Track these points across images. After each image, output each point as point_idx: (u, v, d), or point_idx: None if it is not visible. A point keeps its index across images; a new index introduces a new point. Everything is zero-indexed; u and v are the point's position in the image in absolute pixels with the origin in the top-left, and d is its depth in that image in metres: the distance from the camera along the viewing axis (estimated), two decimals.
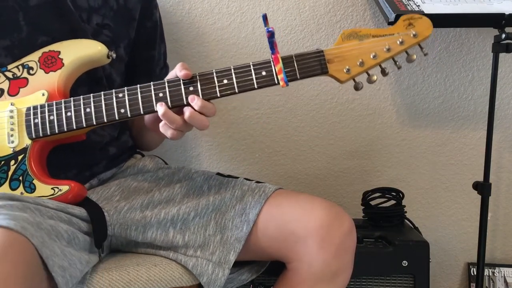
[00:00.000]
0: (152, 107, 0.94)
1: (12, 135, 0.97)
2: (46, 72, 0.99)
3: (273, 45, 0.92)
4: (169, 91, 0.94)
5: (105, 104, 0.95)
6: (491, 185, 1.31)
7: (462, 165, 1.57)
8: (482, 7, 1.28)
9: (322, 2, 1.49)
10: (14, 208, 0.80)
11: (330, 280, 0.97)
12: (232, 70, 0.94)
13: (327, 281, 0.97)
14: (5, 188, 0.95)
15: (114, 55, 1.00)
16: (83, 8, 1.08)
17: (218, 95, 0.94)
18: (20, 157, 0.96)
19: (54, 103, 0.96)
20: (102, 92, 0.96)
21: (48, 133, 0.96)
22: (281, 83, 0.93)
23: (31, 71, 1.00)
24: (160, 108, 0.92)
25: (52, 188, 0.95)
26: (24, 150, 0.96)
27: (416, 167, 1.57)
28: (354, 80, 0.97)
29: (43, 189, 0.95)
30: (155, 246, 1.02)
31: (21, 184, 0.95)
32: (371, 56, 0.94)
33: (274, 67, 0.94)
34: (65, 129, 0.95)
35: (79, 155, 1.06)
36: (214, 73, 0.94)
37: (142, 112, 0.95)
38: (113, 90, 0.96)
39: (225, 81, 0.94)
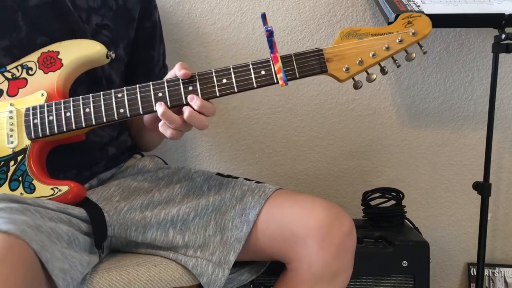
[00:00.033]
0: (151, 107, 0.94)
1: (11, 136, 0.97)
2: (45, 73, 0.99)
3: (272, 44, 0.92)
4: (168, 90, 0.94)
5: (104, 104, 0.95)
6: (491, 185, 1.31)
7: (462, 165, 1.57)
8: (482, 7, 1.28)
9: (322, 2, 1.49)
10: (14, 211, 0.80)
11: (330, 280, 0.97)
12: (231, 70, 0.94)
13: (327, 281, 0.97)
14: (5, 189, 0.95)
15: (113, 55, 1.00)
16: (82, 8, 1.08)
17: (218, 94, 0.94)
18: (19, 158, 0.96)
19: (53, 104, 0.96)
20: (101, 92, 0.96)
21: (48, 133, 0.96)
22: (280, 82, 0.93)
23: (30, 72, 0.99)
24: (159, 108, 0.92)
25: (51, 189, 0.95)
26: (23, 151, 0.96)
27: (416, 167, 1.57)
28: (353, 79, 0.97)
29: (42, 189, 0.95)
30: (155, 246, 1.02)
31: (21, 185, 0.95)
32: (370, 55, 0.94)
33: (273, 66, 0.93)
34: (65, 129, 0.95)
35: (78, 155, 1.06)
36: (213, 73, 0.94)
37: (141, 112, 0.95)
38: (112, 90, 0.96)
39: (224, 81, 0.94)
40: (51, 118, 0.96)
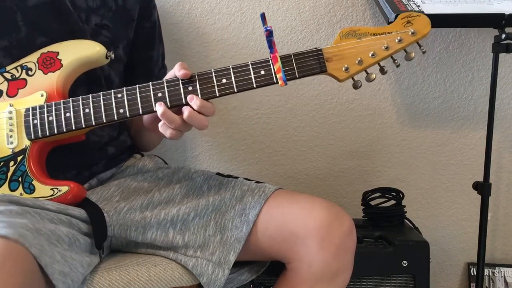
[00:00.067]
0: (151, 107, 0.94)
1: (11, 136, 0.97)
2: (45, 73, 0.99)
3: (271, 44, 0.92)
4: (168, 91, 0.94)
5: (104, 104, 0.95)
6: (491, 185, 1.31)
7: (462, 165, 1.56)
8: (482, 7, 1.28)
9: (322, 2, 1.49)
10: (13, 214, 0.80)
11: (330, 280, 0.97)
12: (231, 70, 0.94)
13: (327, 281, 0.97)
14: (5, 189, 0.95)
15: (112, 56, 1.00)
16: (81, 8, 1.08)
17: (217, 94, 0.94)
18: (19, 158, 0.96)
19: (53, 104, 0.96)
20: (101, 93, 0.96)
21: (47, 133, 0.96)
22: (280, 82, 0.93)
23: (29, 72, 0.99)
24: (159, 108, 0.92)
25: (51, 189, 0.95)
26: (23, 151, 0.96)
27: (416, 167, 1.57)
28: (353, 78, 0.97)
29: (42, 190, 0.95)
30: (155, 246, 1.02)
31: (21, 185, 0.95)
32: (370, 55, 0.94)
33: (273, 66, 0.93)
34: (64, 130, 0.95)
35: (78, 155, 1.06)
36: (213, 73, 0.94)
37: (141, 112, 0.95)
38: (112, 91, 0.96)
39: (224, 81, 0.94)
40: (50, 118, 0.96)
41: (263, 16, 0.91)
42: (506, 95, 1.54)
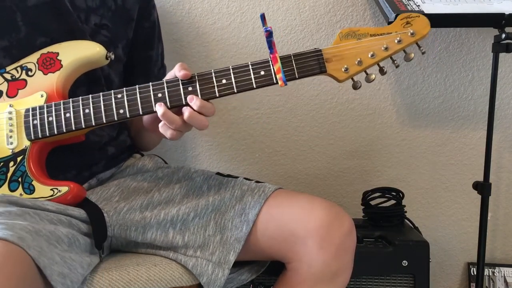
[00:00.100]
0: (151, 107, 0.94)
1: (11, 137, 0.97)
2: (45, 74, 0.99)
3: (271, 44, 0.92)
4: (168, 91, 0.94)
5: (104, 105, 0.95)
6: (491, 185, 1.31)
7: (462, 165, 1.56)
8: (482, 7, 1.28)
9: (322, 2, 1.49)
10: (12, 216, 0.80)
11: (330, 280, 0.97)
12: (231, 70, 0.94)
13: (327, 281, 0.97)
14: (4, 190, 0.95)
15: (112, 57, 1.00)
16: (81, 8, 1.08)
17: (217, 95, 0.94)
18: (19, 159, 0.96)
19: (53, 104, 0.96)
20: (101, 93, 0.96)
21: (47, 134, 0.96)
22: (280, 82, 0.93)
23: (29, 73, 1.00)
24: (159, 109, 0.92)
25: (51, 189, 0.95)
26: (23, 152, 0.96)
27: (416, 167, 1.57)
28: (352, 79, 0.97)
29: (42, 190, 0.95)
30: (155, 246, 1.02)
31: (20, 186, 0.95)
32: (369, 55, 0.94)
33: (273, 66, 0.94)
34: (64, 130, 0.96)
35: (78, 155, 1.06)
36: (213, 73, 0.94)
37: (141, 113, 0.95)
38: (112, 91, 0.96)
39: (224, 81, 0.94)
40: (50, 119, 0.96)
41: (263, 17, 0.91)
42: (506, 95, 1.54)
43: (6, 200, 0.86)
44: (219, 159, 1.57)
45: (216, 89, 0.94)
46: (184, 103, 0.93)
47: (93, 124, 0.95)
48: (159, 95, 0.94)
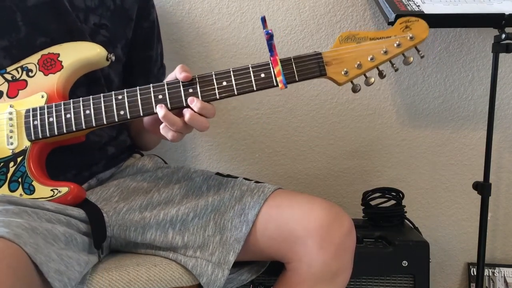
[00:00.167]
0: (151, 109, 0.94)
1: (11, 137, 0.97)
2: (45, 75, 0.99)
3: (272, 47, 0.92)
4: (168, 93, 0.94)
5: (104, 106, 0.95)
6: (491, 185, 1.31)
7: (462, 165, 1.57)
8: (482, 7, 1.28)
9: (322, 2, 1.49)
10: (9, 214, 0.81)
11: (330, 280, 0.97)
12: (231, 72, 0.95)
13: (327, 281, 0.97)
14: (4, 190, 0.95)
15: (113, 58, 1.00)
16: (80, 8, 1.08)
17: (217, 97, 0.94)
18: (19, 159, 0.96)
19: (53, 105, 0.96)
20: (101, 94, 0.96)
21: (48, 135, 0.96)
22: (280, 85, 0.93)
23: (30, 73, 1.00)
24: (160, 111, 0.92)
25: (51, 190, 0.95)
26: (23, 152, 0.96)
27: (416, 167, 1.57)
28: (352, 82, 0.97)
29: (42, 190, 0.95)
30: (154, 246, 1.02)
31: (20, 186, 0.95)
32: (369, 59, 0.95)
33: (273, 69, 0.94)
34: (65, 131, 0.96)
35: (78, 155, 1.06)
36: (213, 75, 0.95)
37: (141, 114, 0.95)
38: (113, 92, 0.96)
39: (224, 83, 0.94)
40: (51, 119, 0.96)
41: (263, 20, 0.92)
42: (506, 95, 1.54)
43: (6, 200, 0.86)
44: (219, 159, 1.57)
45: (216, 91, 0.94)
46: (184, 104, 0.94)
47: (94, 125, 0.95)
48: (160, 96, 0.94)
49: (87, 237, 0.94)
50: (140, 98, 0.95)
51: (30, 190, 0.95)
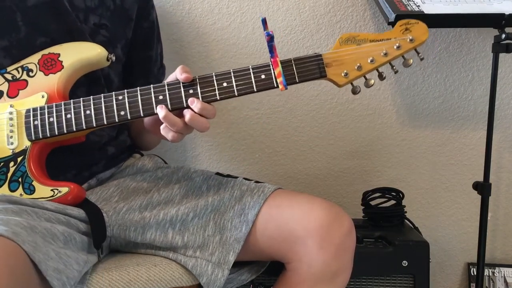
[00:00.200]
0: (152, 109, 0.94)
1: (11, 137, 0.97)
2: (46, 75, 0.99)
3: (272, 48, 0.93)
4: (169, 93, 0.94)
5: (105, 106, 0.95)
6: (491, 185, 1.31)
7: (462, 165, 1.57)
8: (482, 7, 1.28)
9: (322, 2, 1.49)
10: (8, 212, 0.81)
11: (330, 280, 0.97)
12: (232, 74, 0.95)
13: (327, 281, 0.97)
14: (4, 190, 0.95)
15: (113, 58, 1.01)
16: (80, 8, 1.08)
17: (218, 98, 0.94)
18: (19, 159, 0.96)
19: (54, 105, 0.96)
20: (102, 95, 0.96)
21: (48, 135, 0.96)
22: (280, 86, 0.93)
23: (30, 73, 1.00)
24: (161, 111, 0.92)
25: (51, 190, 0.95)
26: (23, 152, 0.97)
27: (416, 167, 1.57)
28: (352, 84, 0.98)
29: (42, 190, 0.95)
30: (154, 246, 1.02)
31: (20, 186, 0.95)
32: (369, 61, 0.95)
33: (273, 70, 0.94)
34: (65, 131, 0.96)
35: (78, 155, 1.06)
36: (214, 76, 0.95)
37: (142, 115, 0.95)
38: (113, 93, 0.96)
39: (225, 84, 0.94)
40: (51, 119, 0.96)
41: (264, 21, 0.92)
42: (506, 95, 1.54)
43: (6, 199, 0.86)
44: (219, 159, 1.57)
45: (217, 92, 0.94)
46: (185, 105, 0.94)
47: (94, 125, 0.95)
48: (160, 97, 0.94)
49: (86, 236, 0.94)
50: (141, 99, 0.95)
51: (30, 190, 0.95)
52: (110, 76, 1.13)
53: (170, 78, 0.98)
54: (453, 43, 1.51)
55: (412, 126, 1.55)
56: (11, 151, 0.97)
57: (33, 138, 0.96)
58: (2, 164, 0.96)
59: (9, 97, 0.99)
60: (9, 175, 0.96)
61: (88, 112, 0.95)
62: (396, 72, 0.99)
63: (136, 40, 1.20)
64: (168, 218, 1.00)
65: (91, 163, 1.10)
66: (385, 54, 0.95)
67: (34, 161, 0.97)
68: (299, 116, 1.54)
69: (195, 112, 0.92)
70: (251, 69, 0.95)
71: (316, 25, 1.50)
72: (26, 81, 1.00)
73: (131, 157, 1.21)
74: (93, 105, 0.96)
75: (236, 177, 1.08)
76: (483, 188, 1.31)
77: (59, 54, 1.00)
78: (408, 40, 0.95)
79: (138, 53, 1.22)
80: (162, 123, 0.93)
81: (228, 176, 1.10)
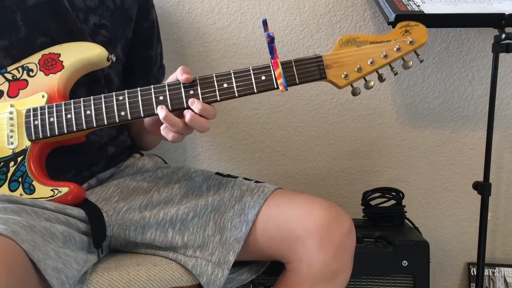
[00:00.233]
0: (152, 110, 0.94)
1: (11, 137, 0.97)
2: (46, 74, 0.99)
3: (272, 50, 0.93)
4: (169, 94, 0.94)
5: (105, 106, 0.95)
6: (491, 185, 1.31)
7: (462, 165, 1.57)
8: (482, 7, 1.28)
9: (322, 2, 1.49)
10: (7, 211, 0.81)
11: (329, 280, 0.97)
12: (232, 74, 0.95)
13: (327, 281, 0.97)
14: (4, 189, 0.95)
15: (114, 58, 1.01)
16: (80, 8, 1.08)
17: (218, 99, 0.95)
18: (19, 159, 0.96)
19: (54, 105, 0.96)
20: (102, 95, 0.96)
21: (48, 135, 0.96)
22: (281, 87, 0.94)
23: (31, 73, 1.00)
24: (161, 112, 0.92)
25: (51, 190, 0.95)
26: (23, 152, 0.97)
27: (416, 167, 1.57)
28: (351, 85, 0.98)
29: (42, 190, 0.95)
30: (154, 246, 1.02)
31: (20, 186, 0.95)
32: (369, 62, 0.95)
33: (274, 71, 0.94)
34: (65, 131, 0.96)
35: (78, 155, 1.06)
36: (214, 77, 0.95)
37: (142, 115, 0.95)
38: (114, 93, 0.96)
39: (225, 85, 0.95)
40: (51, 119, 0.96)
41: (264, 22, 0.92)
42: (506, 95, 1.54)
43: (6, 199, 0.86)
44: (219, 159, 1.57)
45: (217, 93, 0.94)
46: (185, 106, 0.94)
47: (95, 125, 0.95)
48: (161, 97, 0.94)
49: (86, 236, 0.94)
50: (141, 99, 0.95)
51: (30, 190, 0.95)
52: (110, 76, 1.13)
53: (170, 78, 0.98)
54: (453, 43, 1.51)
55: (412, 126, 1.55)
56: (11, 151, 0.97)
57: (33, 138, 0.96)
58: (2, 164, 0.96)
59: (9, 96, 1.00)
60: (9, 175, 0.96)
61: (88, 112, 0.95)
62: (395, 74, 0.99)
63: (136, 40, 1.20)
64: (168, 218, 1.00)
65: (91, 163, 1.10)
66: (385, 56, 0.95)
67: (34, 161, 0.97)
68: (299, 116, 1.54)
69: (195, 113, 0.92)
70: (251, 70, 0.95)
71: (316, 25, 1.50)
72: (27, 81, 1.00)
73: (131, 157, 1.21)
74: (94, 105, 0.96)
75: (236, 177, 1.08)
76: (483, 188, 1.31)
77: (59, 54, 1.00)
78: (408, 42, 0.96)
79: (138, 53, 1.22)
80: (162, 123, 0.93)
81: (228, 176, 1.10)
